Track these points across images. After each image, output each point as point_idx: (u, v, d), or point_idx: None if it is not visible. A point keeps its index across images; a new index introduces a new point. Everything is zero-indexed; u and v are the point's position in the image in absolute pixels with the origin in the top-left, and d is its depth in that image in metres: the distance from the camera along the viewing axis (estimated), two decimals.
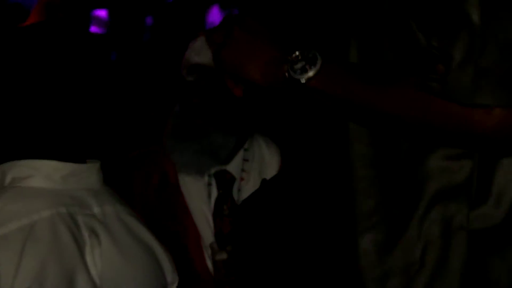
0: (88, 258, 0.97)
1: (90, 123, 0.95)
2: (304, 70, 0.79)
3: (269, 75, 0.82)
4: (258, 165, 1.61)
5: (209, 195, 1.56)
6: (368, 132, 0.90)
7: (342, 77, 0.82)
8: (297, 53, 0.79)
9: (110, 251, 1.01)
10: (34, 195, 0.96)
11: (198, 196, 1.48)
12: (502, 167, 0.84)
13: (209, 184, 1.56)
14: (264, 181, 1.49)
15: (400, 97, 0.80)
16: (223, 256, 1.48)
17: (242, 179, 1.57)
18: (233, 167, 1.58)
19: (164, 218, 1.57)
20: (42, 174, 0.97)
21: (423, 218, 0.86)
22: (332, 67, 0.82)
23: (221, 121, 1.50)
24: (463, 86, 0.77)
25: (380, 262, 0.90)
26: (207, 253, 1.53)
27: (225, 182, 1.56)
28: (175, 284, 1.13)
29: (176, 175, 1.54)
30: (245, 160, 1.59)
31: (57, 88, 0.89)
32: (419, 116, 0.80)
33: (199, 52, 1.47)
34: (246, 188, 1.57)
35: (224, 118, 1.51)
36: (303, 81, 0.77)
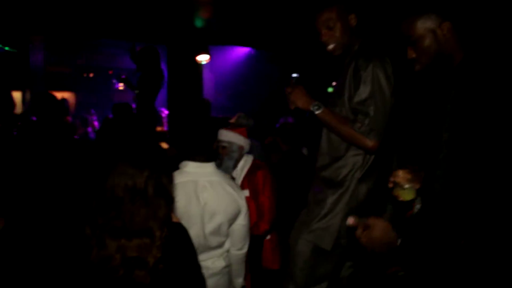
0: (200, 196, 2.17)
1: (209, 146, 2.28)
2: (316, 110, 2.28)
3: (305, 107, 2.30)
4: (240, 171, 3.08)
5: None
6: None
7: (328, 116, 2.29)
8: (315, 103, 2.29)
9: (211, 194, 2.19)
10: (185, 173, 2.19)
11: None
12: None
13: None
14: None
15: (343, 128, 2.26)
16: None
17: (234, 178, 2.97)
18: (234, 173, 3.03)
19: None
20: (190, 166, 2.22)
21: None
22: (326, 112, 2.29)
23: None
24: (364, 131, 2.20)
25: None
26: None
27: (232, 178, 2.83)
28: (245, 208, 2.31)
29: None
30: (235, 170, 3.05)
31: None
32: (346, 135, 2.27)
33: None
34: (237, 181, 3.01)
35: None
36: (316, 113, 2.29)
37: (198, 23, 6.12)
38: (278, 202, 3.06)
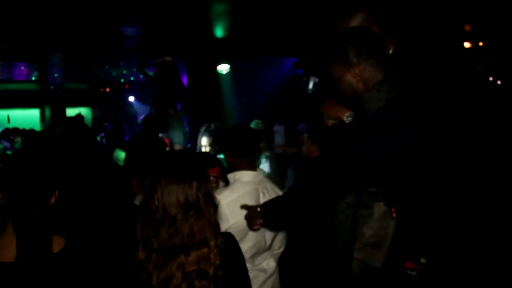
0: (261, 200, 2.23)
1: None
2: (349, 119, 2.05)
3: (340, 117, 2.08)
4: None
5: None
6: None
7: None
8: (347, 114, 2.06)
9: (267, 198, 2.21)
10: (244, 183, 2.26)
11: None
12: None
13: None
14: None
15: None
16: None
17: None
18: None
19: None
20: (246, 176, 2.28)
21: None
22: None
23: None
24: None
25: None
26: None
27: None
28: None
29: None
30: None
31: None
32: None
33: None
34: None
35: None
36: (347, 122, 2.05)
37: (218, 33, 6.21)
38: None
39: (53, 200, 1.53)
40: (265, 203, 1.96)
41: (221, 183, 2.77)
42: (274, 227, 2.16)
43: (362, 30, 1.78)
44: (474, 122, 1.58)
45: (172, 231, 1.42)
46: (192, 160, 1.54)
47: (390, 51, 2.02)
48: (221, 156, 3.56)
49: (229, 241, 1.61)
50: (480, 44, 6.62)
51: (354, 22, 2.00)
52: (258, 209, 1.95)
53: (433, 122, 1.53)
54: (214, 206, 1.52)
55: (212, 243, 1.47)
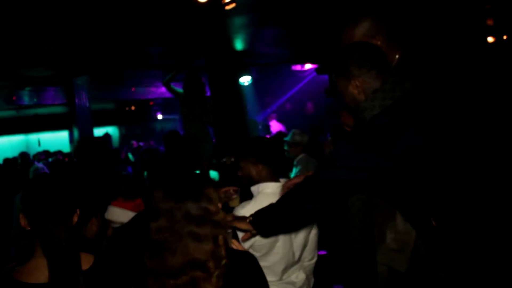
0: None
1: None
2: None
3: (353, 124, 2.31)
4: None
5: None
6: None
7: None
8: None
9: None
10: (267, 195, 2.16)
11: None
12: None
13: None
14: None
15: None
16: None
17: None
18: None
19: None
20: (269, 188, 2.24)
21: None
22: None
23: None
24: None
25: None
26: None
27: None
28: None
29: None
30: None
31: None
32: None
33: None
34: None
35: None
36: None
37: (238, 45, 6.27)
38: None
39: (75, 219, 1.57)
40: (258, 212, 1.94)
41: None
42: (267, 234, 2.12)
43: (361, 44, 1.89)
44: (475, 126, 1.71)
45: (160, 253, 1.41)
46: (184, 180, 1.51)
47: (396, 57, 2.05)
48: None
49: (244, 262, 1.56)
50: (504, 37, 6.49)
51: (359, 30, 2.06)
52: (249, 219, 1.94)
53: (433, 126, 1.61)
54: (213, 226, 1.45)
55: (211, 264, 1.41)
